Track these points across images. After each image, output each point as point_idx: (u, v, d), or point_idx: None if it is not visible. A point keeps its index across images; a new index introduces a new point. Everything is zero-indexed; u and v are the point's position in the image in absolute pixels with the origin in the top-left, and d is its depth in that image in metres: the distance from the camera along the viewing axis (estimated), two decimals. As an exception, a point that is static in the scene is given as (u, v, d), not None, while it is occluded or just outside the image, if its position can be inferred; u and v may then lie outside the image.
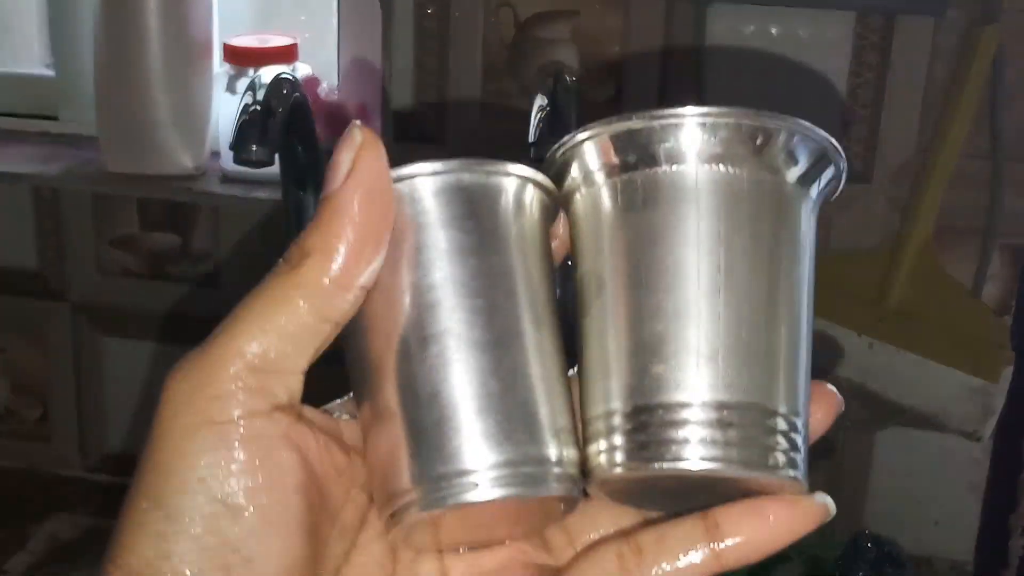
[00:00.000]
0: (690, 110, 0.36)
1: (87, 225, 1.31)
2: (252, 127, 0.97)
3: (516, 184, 0.37)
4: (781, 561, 1.04)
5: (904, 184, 1.15)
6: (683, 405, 0.35)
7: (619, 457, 0.35)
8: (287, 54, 1.24)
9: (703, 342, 0.35)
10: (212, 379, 0.34)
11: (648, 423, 0.35)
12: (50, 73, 1.37)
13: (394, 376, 0.36)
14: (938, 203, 1.12)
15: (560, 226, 0.39)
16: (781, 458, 0.35)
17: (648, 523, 0.38)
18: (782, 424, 0.35)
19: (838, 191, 0.39)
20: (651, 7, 1.15)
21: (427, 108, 1.21)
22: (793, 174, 0.37)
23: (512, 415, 0.35)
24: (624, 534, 0.38)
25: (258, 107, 0.98)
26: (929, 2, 1.10)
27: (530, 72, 1.19)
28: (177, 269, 1.31)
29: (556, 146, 0.38)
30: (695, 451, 0.34)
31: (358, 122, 0.36)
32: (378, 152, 0.35)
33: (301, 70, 1.25)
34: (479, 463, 0.35)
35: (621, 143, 0.36)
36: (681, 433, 0.35)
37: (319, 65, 1.28)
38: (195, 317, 1.31)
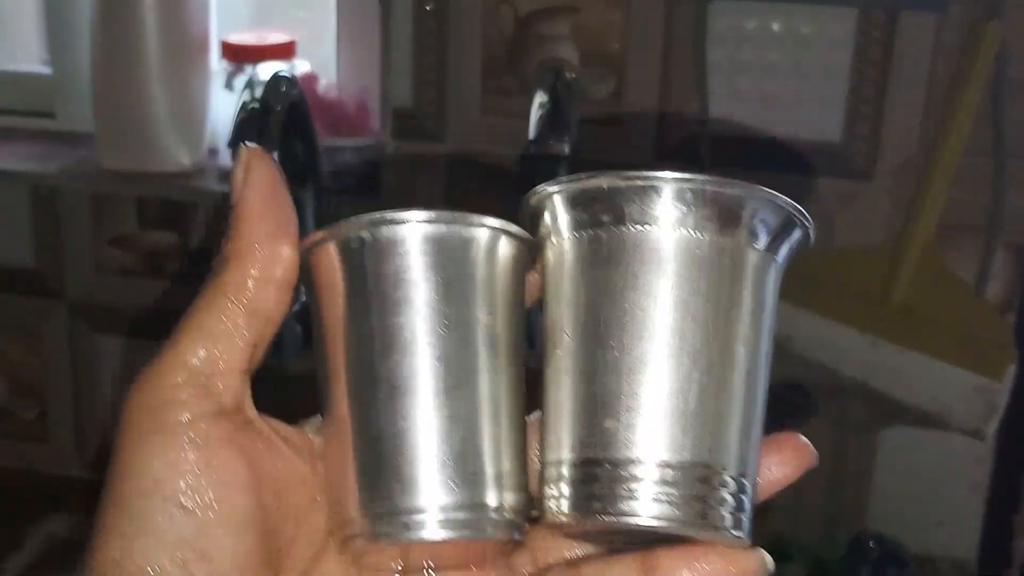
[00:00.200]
0: (660, 174, 0.37)
1: (84, 223, 1.30)
2: (250, 124, 0.97)
3: (486, 235, 0.38)
4: (784, 561, 1.04)
5: (907, 182, 1.14)
6: (631, 461, 0.37)
7: (566, 505, 0.37)
8: (285, 51, 1.24)
9: (654, 401, 0.37)
10: (161, 387, 0.37)
11: (597, 476, 0.37)
12: (47, 71, 1.37)
13: (346, 412, 0.38)
14: (941, 201, 1.11)
15: (536, 270, 0.41)
16: (726, 517, 0.37)
17: (593, 557, 0.41)
18: (728, 483, 0.37)
19: (809, 244, 0.40)
20: (652, 3, 1.15)
21: (426, 105, 1.20)
22: (758, 240, 0.38)
23: (447, 462, 0.37)
24: (571, 564, 0.40)
25: (256, 104, 0.98)
26: (932, -2, 1.10)
27: (530, 69, 1.19)
28: (175, 267, 1.30)
29: (530, 193, 0.39)
30: (641, 507, 0.36)
31: (244, 143, 0.40)
32: (265, 161, 0.39)
33: (299, 67, 1.25)
34: (416, 505, 0.37)
35: (590, 200, 0.38)
36: (630, 488, 0.36)
37: (317, 62, 1.28)
38: (193, 316, 1.30)
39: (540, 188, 0.39)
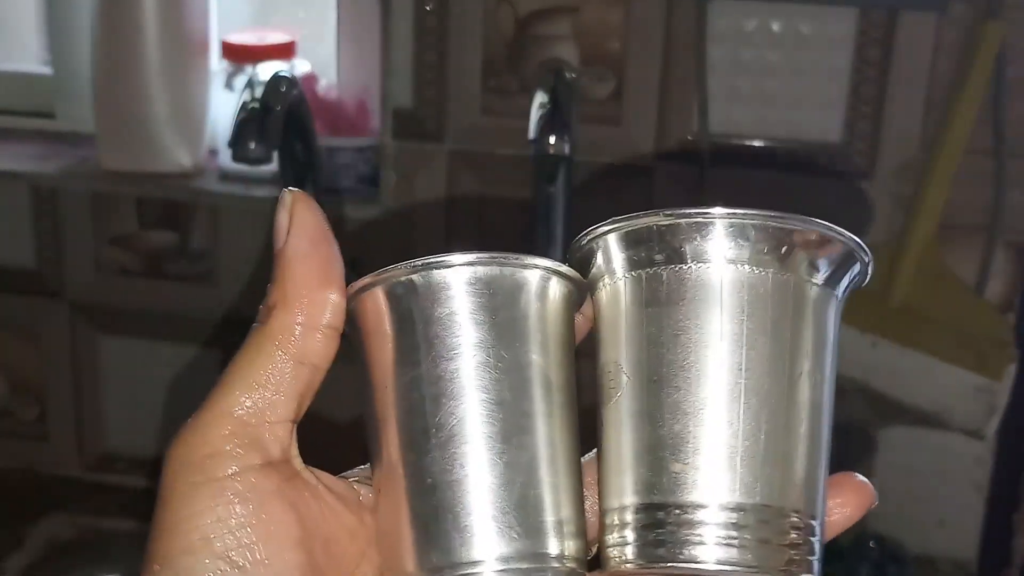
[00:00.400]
0: (718, 211, 0.36)
1: (85, 224, 1.30)
2: (250, 125, 0.97)
3: (538, 276, 0.38)
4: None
5: (907, 181, 1.14)
6: (699, 506, 0.36)
7: (631, 552, 0.37)
8: (285, 51, 1.24)
9: (721, 444, 0.36)
10: (207, 439, 0.36)
11: (664, 521, 0.36)
12: (47, 71, 1.37)
13: (400, 462, 0.37)
14: (942, 200, 1.11)
15: (586, 310, 0.40)
16: (795, 560, 0.36)
17: None
18: (798, 525, 0.36)
19: (865, 282, 0.39)
20: (652, 3, 1.15)
21: (426, 105, 1.20)
22: (819, 275, 0.37)
23: (508, 510, 0.36)
24: None
25: (256, 104, 0.98)
26: (932, -2, 1.10)
27: (530, 69, 1.18)
28: (175, 267, 1.30)
29: (583, 234, 0.39)
30: (710, 552, 0.35)
31: (288, 188, 0.39)
32: (310, 205, 0.38)
33: (300, 67, 1.25)
34: (474, 557, 0.36)
35: (645, 239, 0.37)
36: (697, 533, 0.36)
37: (318, 62, 1.28)
38: (193, 316, 1.30)
39: (593, 228, 0.38)
